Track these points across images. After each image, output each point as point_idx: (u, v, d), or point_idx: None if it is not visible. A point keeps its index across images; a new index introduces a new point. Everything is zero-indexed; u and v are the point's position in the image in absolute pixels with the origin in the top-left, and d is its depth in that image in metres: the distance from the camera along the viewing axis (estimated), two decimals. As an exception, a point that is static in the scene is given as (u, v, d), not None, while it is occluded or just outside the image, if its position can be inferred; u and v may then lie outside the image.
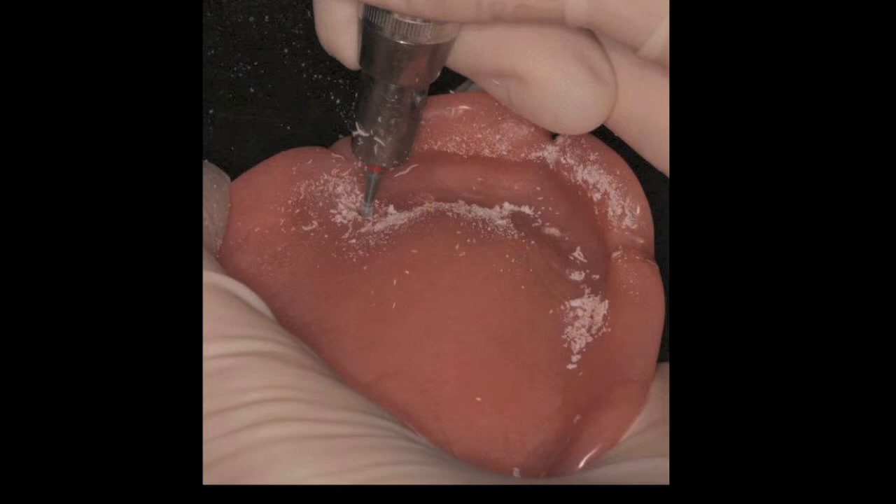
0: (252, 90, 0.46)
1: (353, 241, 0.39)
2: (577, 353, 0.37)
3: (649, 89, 0.37)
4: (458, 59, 0.38)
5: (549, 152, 0.41)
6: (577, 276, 0.39)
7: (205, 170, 0.38)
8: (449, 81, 0.42)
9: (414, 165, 0.41)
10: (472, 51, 0.37)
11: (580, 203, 0.40)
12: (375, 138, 0.38)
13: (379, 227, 0.40)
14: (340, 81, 0.46)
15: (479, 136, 0.41)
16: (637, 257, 0.37)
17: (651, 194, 0.39)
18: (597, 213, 0.39)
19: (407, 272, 0.38)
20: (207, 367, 0.29)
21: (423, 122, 0.40)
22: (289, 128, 0.46)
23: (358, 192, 0.41)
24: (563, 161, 0.40)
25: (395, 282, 0.37)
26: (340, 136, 0.44)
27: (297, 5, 0.45)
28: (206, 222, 0.37)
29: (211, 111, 0.45)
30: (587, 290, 0.38)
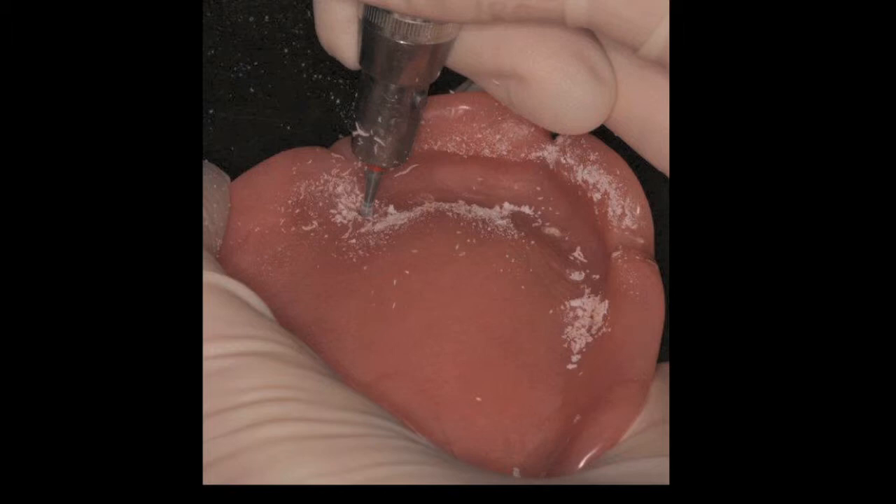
0: (252, 90, 0.46)
1: (353, 241, 0.39)
2: (577, 353, 0.37)
3: (649, 89, 0.37)
4: (458, 59, 0.38)
5: (549, 152, 0.41)
6: (577, 276, 0.39)
7: (205, 170, 0.38)
8: (449, 81, 0.42)
9: (414, 165, 0.41)
10: (472, 51, 0.37)
11: (580, 203, 0.40)
12: (375, 138, 0.38)
13: (379, 227, 0.40)
14: (340, 81, 0.46)
15: (479, 136, 0.41)
16: (637, 257, 0.37)
17: (651, 194, 0.39)
18: (597, 213, 0.39)
19: (407, 272, 0.38)
20: (207, 367, 0.29)
21: (423, 122, 0.40)
22: (289, 128, 0.46)
23: (358, 192, 0.41)
24: (563, 161, 0.40)
25: (395, 282, 0.37)
26: (340, 136, 0.44)
27: (297, 5, 0.45)
28: (206, 222, 0.37)
29: (211, 111, 0.45)
30: (587, 290, 0.38)
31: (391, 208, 0.40)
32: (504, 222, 0.39)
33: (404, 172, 0.41)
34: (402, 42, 0.35)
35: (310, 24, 0.41)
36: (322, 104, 0.46)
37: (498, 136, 0.41)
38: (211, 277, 0.31)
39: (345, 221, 0.40)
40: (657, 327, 0.36)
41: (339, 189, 0.40)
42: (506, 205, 0.41)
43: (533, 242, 0.39)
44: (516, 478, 0.34)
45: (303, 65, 0.46)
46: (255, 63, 0.45)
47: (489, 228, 0.39)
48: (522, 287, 0.37)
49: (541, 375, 0.36)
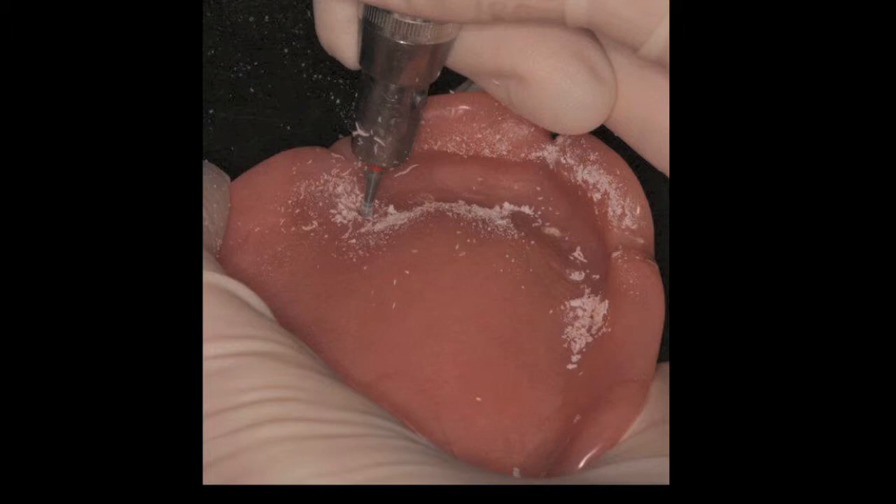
0: (252, 90, 0.46)
1: (353, 241, 0.39)
2: (577, 353, 0.37)
3: (649, 89, 0.37)
4: (458, 59, 0.38)
5: (549, 152, 0.41)
6: (577, 276, 0.39)
7: (205, 170, 0.38)
8: (449, 81, 0.42)
9: (414, 165, 0.41)
10: (472, 51, 0.37)
11: (580, 203, 0.40)
12: (375, 138, 0.38)
13: (379, 227, 0.40)
14: (340, 81, 0.46)
15: (479, 136, 0.41)
16: (637, 257, 0.37)
17: (651, 194, 0.39)
18: (597, 213, 0.39)
19: (407, 272, 0.38)
20: (207, 367, 0.29)
21: (423, 122, 0.40)
22: (289, 128, 0.46)
23: (358, 192, 0.41)
24: (563, 161, 0.40)
25: (395, 282, 0.37)
26: (340, 136, 0.44)
27: (297, 5, 0.45)
28: (206, 222, 0.37)
29: (211, 111, 0.45)
30: (587, 290, 0.38)
31: (391, 208, 0.40)
32: (504, 222, 0.39)
33: (404, 172, 0.41)
34: (402, 42, 0.35)
35: (310, 24, 0.41)
36: (322, 104, 0.46)
37: (498, 136, 0.41)
38: (211, 277, 0.31)
39: (345, 221, 0.40)
40: (657, 327, 0.36)
41: (339, 189, 0.40)
42: (506, 205, 0.41)
43: (533, 242, 0.39)
44: (516, 478, 0.34)
45: (303, 65, 0.46)
46: (255, 63, 0.45)
47: (489, 228, 0.39)
48: (522, 287, 0.37)
49: (541, 375, 0.36)
